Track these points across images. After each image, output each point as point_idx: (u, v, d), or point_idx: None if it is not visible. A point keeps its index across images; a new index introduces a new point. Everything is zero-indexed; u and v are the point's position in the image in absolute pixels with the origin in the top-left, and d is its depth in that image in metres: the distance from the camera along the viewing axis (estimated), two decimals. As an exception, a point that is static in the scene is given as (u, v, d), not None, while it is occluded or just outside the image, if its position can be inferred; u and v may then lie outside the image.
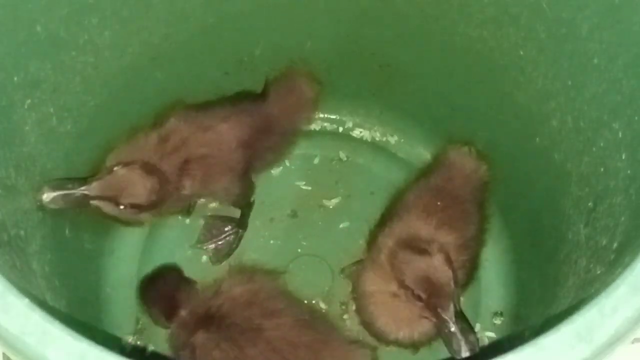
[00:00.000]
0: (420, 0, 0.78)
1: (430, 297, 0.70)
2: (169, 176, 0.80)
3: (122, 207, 0.75)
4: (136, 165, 0.76)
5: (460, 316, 0.70)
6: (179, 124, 0.82)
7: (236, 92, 0.88)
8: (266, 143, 0.86)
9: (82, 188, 0.73)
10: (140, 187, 0.76)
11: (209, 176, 0.82)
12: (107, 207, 0.75)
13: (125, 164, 0.76)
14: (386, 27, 0.83)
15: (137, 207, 0.76)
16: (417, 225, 0.78)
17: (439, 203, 0.80)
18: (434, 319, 0.71)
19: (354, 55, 0.88)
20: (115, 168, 0.75)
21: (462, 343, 0.69)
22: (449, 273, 0.71)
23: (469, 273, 0.80)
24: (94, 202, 0.74)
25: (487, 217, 0.85)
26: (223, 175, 0.83)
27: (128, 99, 0.82)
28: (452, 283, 0.71)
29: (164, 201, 0.79)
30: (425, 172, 0.86)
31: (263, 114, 0.86)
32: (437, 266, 0.71)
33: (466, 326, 0.70)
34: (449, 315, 0.69)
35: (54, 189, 0.71)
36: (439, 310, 0.70)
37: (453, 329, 0.69)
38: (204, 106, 0.85)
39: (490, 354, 0.43)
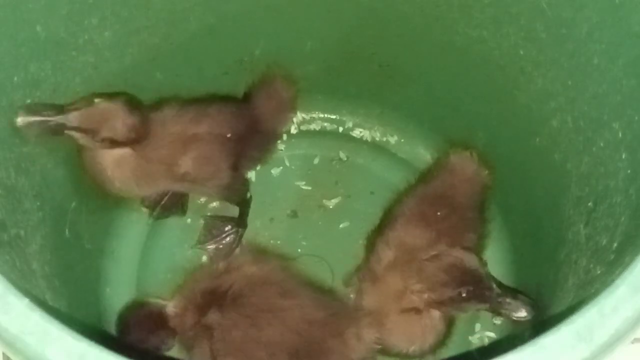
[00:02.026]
0: (421, 0, 0.78)
1: (473, 287, 0.71)
2: (166, 153, 0.80)
3: (99, 141, 0.73)
4: (119, 99, 0.74)
5: (502, 286, 0.71)
6: (177, 109, 0.82)
7: (221, 95, 0.89)
8: (253, 140, 0.88)
9: (60, 117, 0.70)
10: (120, 122, 0.74)
11: (203, 160, 0.83)
12: (82, 140, 0.73)
13: (108, 98, 0.74)
14: (386, 27, 0.83)
15: (115, 143, 0.75)
16: (416, 235, 0.78)
17: (438, 213, 0.80)
18: (482, 306, 0.71)
19: (354, 55, 0.88)
20: (96, 100, 0.73)
21: (522, 306, 0.70)
22: (472, 256, 0.71)
23: None
24: (69, 132, 0.72)
25: (487, 221, 0.84)
26: (216, 160, 0.84)
27: (128, 99, 0.82)
28: (480, 264, 0.71)
29: (142, 139, 0.77)
30: (425, 176, 0.86)
31: (248, 113, 0.88)
32: (460, 257, 0.72)
33: (511, 292, 0.70)
34: (496, 293, 0.70)
35: (30, 113, 0.68)
36: (487, 293, 0.70)
37: (508, 299, 0.70)
38: (196, 101, 0.86)
39: (490, 354, 0.43)
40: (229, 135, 0.84)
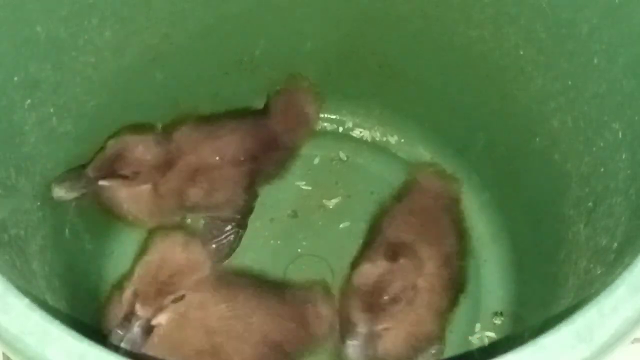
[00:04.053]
0: (421, 0, 0.78)
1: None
2: (176, 185, 0.80)
3: (126, 176, 0.75)
4: (125, 134, 0.77)
5: None
6: (190, 133, 0.82)
7: (241, 108, 0.89)
8: (270, 157, 0.87)
9: (85, 175, 0.74)
10: (135, 151, 0.76)
11: (215, 188, 0.83)
12: (113, 186, 0.76)
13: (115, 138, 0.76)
14: (386, 27, 0.83)
15: (139, 173, 0.76)
16: (396, 236, 0.78)
17: (414, 219, 0.81)
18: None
19: (354, 55, 0.88)
20: (109, 142, 0.76)
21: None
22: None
23: (457, 287, 0.80)
24: (101, 183, 0.75)
25: (463, 232, 0.85)
26: (228, 187, 0.83)
27: (128, 99, 0.82)
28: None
29: (163, 165, 0.79)
30: (397, 198, 0.86)
31: (266, 129, 0.87)
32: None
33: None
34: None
35: (61, 183, 0.72)
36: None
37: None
38: (212, 118, 0.86)
39: (490, 354, 0.43)
40: (242, 159, 0.83)
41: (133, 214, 0.81)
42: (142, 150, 0.77)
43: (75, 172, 0.74)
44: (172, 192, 0.81)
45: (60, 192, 0.72)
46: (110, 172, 0.75)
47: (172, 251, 0.72)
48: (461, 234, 0.84)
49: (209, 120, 0.85)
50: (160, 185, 0.80)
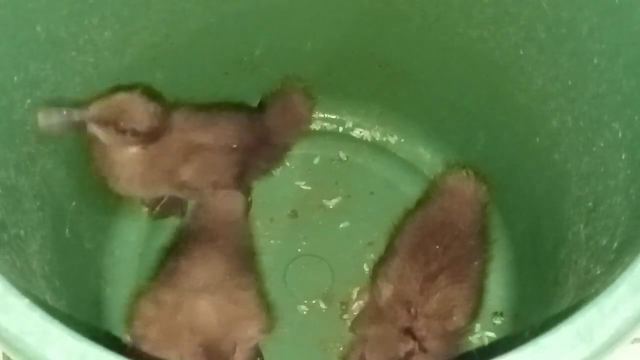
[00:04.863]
0: (421, 0, 0.78)
1: None
2: (171, 161, 0.80)
3: (121, 133, 0.73)
4: (138, 90, 0.75)
5: None
6: (189, 115, 0.82)
7: (235, 103, 0.89)
8: (261, 152, 0.87)
9: (80, 111, 0.71)
10: (142, 111, 0.74)
11: (205, 170, 0.82)
12: (105, 136, 0.73)
13: (127, 90, 0.74)
14: (386, 27, 0.83)
15: (137, 135, 0.75)
16: (416, 270, 0.77)
17: (437, 247, 0.78)
18: None
19: (354, 55, 0.88)
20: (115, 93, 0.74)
21: None
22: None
23: (475, 309, 0.80)
24: (91, 128, 0.72)
25: (490, 244, 0.83)
26: (218, 171, 0.83)
27: (128, 99, 0.82)
28: None
29: (161, 135, 0.78)
30: (424, 201, 0.85)
31: (260, 124, 0.87)
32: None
33: None
34: None
35: (50, 112, 0.69)
36: None
37: None
38: (208, 106, 0.85)
39: (490, 354, 0.43)
40: (235, 146, 0.83)
41: (125, 179, 0.80)
42: (142, 110, 0.74)
43: (67, 109, 0.70)
44: (163, 165, 0.80)
45: (44, 122, 0.68)
46: (103, 121, 0.72)
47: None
48: (487, 250, 0.82)
49: (207, 108, 0.85)
50: (154, 155, 0.79)
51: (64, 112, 0.69)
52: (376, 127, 0.97)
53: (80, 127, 0.71)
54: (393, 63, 0.88)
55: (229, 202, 0.83)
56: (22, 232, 0.65)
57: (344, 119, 0.97)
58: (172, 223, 0.91)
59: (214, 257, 0.77)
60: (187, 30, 0.81)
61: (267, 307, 0.78)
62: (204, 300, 0.73)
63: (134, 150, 0.77)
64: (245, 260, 0.80)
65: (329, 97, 0.93)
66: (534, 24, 0.71)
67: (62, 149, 0.76)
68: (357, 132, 0.97)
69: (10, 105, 0.67)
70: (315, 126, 0.96)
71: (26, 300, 0.45)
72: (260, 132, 0.87)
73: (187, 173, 0.81)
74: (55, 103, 0.70)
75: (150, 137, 0.76)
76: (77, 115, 0.70)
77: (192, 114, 0.83)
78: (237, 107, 0.89)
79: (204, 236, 0.80)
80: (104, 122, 0.72)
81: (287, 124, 0.90)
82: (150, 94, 0.76)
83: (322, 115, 0.96)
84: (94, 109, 0.72)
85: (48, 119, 0.68)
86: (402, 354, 0.71)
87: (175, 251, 0.80)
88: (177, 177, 0.81)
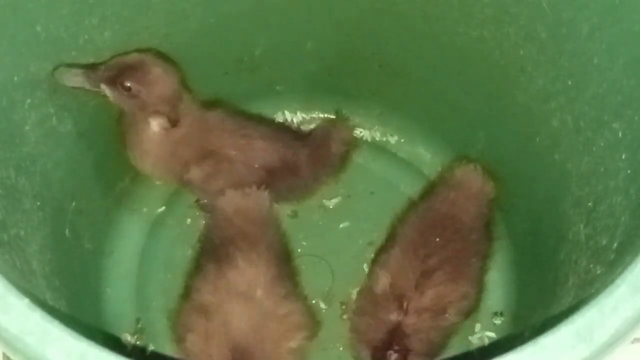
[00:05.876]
0: (421, 0, 0.78)
1: None
2: (188, 155, 0.81)
3: (127, 91, 0.74)
4: (153, 51, 0.76)
5: None
6: (224, 118, 0.83)
7: (280, 122, 0.91)
8: (287, 179, 0.86)
9: (94, 72, 0.73)
10: (148, 71, 0.75)
11: (215, 177, 0.83)
12: (112, 94, 0.75)
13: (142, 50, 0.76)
14: (386, 27, 0.83)
15: (137, 96, 0.76)
16: (415, 265, 0.77)
17: (437, 239, 0.78)
18: None
19: (354, 55, 0.88)
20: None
21: None
22: None
23: (473, 306, 0.81)
24: (102, 87, 0.74)
25: (492, 240, 0.83)
26: (227, 183, 0.83)
27: (128, 99, 0.82)
28: None
29: (176, 107, 0.78)
30: (429, 192, 0.84)
31: (294, 153, 0.86)
32: None
33: None
34: None
35: (68, 71, 0.72)
36: None
37: None
38: (249, 116, 0.86)
39: (490, 354, 0.43)
40: (256, 166, 0.83)
41: (151, 156, 0.81)
42: (164, 78, 0.76)
43: (83, 67, 0.73)
44: (180, 156, 0.81)
45: (60, 75, 0.71)
46: (110, 79, 0.74)
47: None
48: (489, 246, 0.82)
49: (246, 116, 0.86)
50: (177, 144, 0.80)
51: (81, 71, 0.72)
52: (376, 127, 0.97)
53: (96, 86, 0.74)
54: (393, 63, 0.88)
55: (253, 199, 0.81)
56: (22, 232, 0.66)
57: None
58: (172, 222, 0.91)
59: (259, 264, 0.76)
60: (187, 30, 0.81)
61: (310, 313, 0.79)
62: (248, 309, 0.72)
63: (156, 130, 0.78)
64: (287, 266, 0.80)
65: (329, 97, 0.93)
66: (534, 24, 0.71)
67: (62, 149, 0.76)
68: (357, 132, 0.97)
69: (11, 105, 0.67)
70: (315, 126, 0.96)
71: (26, 300, 0.45)
72: (291, 160, 0.85)
73: (195, 174, 0.82)
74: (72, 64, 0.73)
75: (157, 102, 0.77)
76: (92, 75, 0.73)
77: (229, 117, 0.83)
78: (278, 126, 0.89)
79: (243, 242, 0.77)
80: (112, 80, 0.74)
81: (321, 161, 0.88)
82: (165, 57, 0.77)
83: (322, 115, 0.96)
84: (109, 65, 0.74)
85: (67, 77, 0.71)
86: None
87: (214, 256, 0.78)
88: (185, 174, 0.82)
